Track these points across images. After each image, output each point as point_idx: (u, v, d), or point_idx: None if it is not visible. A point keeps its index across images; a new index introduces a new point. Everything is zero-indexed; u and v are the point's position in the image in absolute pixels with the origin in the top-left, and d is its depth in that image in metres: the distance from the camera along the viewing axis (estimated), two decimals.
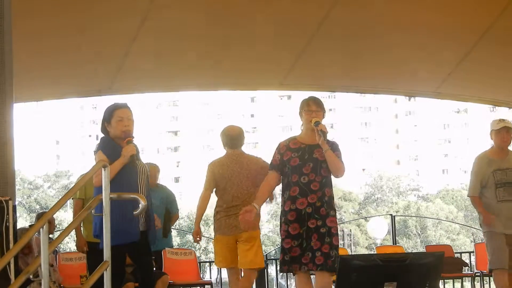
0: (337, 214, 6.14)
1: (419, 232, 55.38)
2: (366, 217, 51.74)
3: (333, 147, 6.03)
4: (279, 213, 6.22)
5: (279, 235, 6.12)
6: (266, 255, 12.91)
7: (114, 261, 5.10)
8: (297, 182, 5.95)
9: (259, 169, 6.98)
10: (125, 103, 5.93)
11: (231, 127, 7.39)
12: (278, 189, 6.40)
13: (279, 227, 6.14)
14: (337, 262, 5.88)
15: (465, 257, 12.27)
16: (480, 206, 7.34)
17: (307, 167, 5.96)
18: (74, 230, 7.84)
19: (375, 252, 12.51)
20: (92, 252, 7.52)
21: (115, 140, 5.84)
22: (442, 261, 5.83)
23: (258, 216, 6.84)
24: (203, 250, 50.69)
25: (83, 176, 5.31)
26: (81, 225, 7.73)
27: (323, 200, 5.96)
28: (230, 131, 7.33)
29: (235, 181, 7.02)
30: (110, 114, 5.85)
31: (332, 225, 5.97)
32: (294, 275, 6.07)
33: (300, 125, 6.22)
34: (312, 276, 6.18)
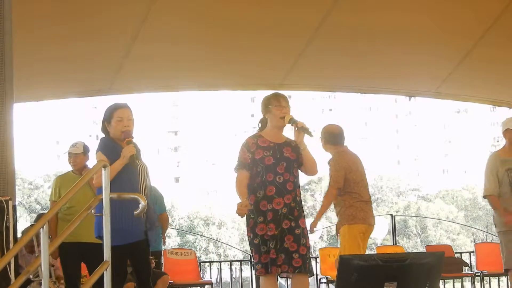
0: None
1: (419, 232, 55.38)
2: None
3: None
4: None
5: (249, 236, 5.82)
6: None
7: (117, 261, 5.11)
8: (273, 181, 5.75)
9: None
10: (125, 103, 5.92)
11: (334, 126, 7.59)
12: None
13: (249, 227, 5.80)
14: (311, 264, 5.80)
15: (465, 257, 12.27)
16: (499, 207, 7.17)
17: (281, 166, 5.78)
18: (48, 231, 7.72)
19: (375, 252, 12.51)
20: (65, 253, 7.39)
21: (115, 140, 5.84)
22: (442, 261, 5.83)
23: None
24: (203, 250, 50.69)
25: (83, 176, 5.29)
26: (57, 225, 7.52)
27: (296, 201, 5.81)
28: (335, 129, 7.49)
29: (363, 172, 7.33)
30: (110, 114, 5.84)
31: (304, 226, 5.82)
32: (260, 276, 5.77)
33: (258, 123, 5.98)
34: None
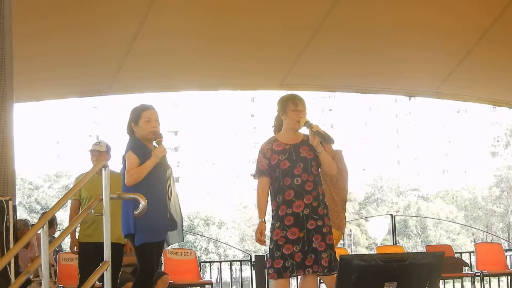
0: None
1: (419, 232, 55.38)
2: (366, 217, 51.75)
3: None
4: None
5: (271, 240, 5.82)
6: (266, 254, 12.90)
7: (148, 257, 5.59)
8: (290, 185, 5.74)
9: None
10: (151, 105, 5.99)
11: None
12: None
13: (271, 232, 5.84)
14: (334, 259, 5.79)
15: (465, 257, 12.27)
16: None
17: (298, 168, 5.76)
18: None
19: (375, 252, 12.51)
20: (83, 253, 7.46)
21: (142, 141, 5.90)
22: (442, 261, 5.83)
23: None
24: (203, 250, 50.68)
25: (84, 176, 5.31)
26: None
27: (319, 199, 5.79)
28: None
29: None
30: (138, 115, 5.90)
31: (330, 223, 5.84)
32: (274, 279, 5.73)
33: (272, 124, 6.00)
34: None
